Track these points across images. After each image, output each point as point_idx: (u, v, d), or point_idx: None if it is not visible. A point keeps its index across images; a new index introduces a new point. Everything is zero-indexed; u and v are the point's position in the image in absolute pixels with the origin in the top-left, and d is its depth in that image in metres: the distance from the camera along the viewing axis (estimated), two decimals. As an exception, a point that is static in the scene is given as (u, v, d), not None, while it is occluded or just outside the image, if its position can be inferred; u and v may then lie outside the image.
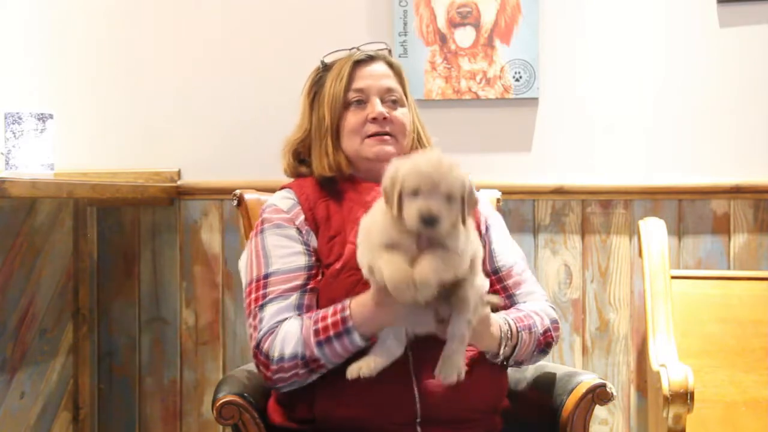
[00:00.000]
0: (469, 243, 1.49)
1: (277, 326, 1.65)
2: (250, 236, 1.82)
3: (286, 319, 1.65)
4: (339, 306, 1.61)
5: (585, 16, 2.56)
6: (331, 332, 1.59)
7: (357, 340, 1.59)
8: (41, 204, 2.45)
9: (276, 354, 1.62)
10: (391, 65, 1.89)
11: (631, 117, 2.54)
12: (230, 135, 2.69)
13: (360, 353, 1.61)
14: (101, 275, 2.75)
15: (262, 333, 1.65)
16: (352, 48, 1.91)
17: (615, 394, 1.76)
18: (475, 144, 2.59)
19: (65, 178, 2.53)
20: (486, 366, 1.71)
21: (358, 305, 1.59)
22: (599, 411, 2.51)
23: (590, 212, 2.56)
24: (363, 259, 1.54)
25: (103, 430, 2.75)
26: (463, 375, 1.54)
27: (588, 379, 1.77)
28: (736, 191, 2.48)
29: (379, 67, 1.87)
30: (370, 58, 1.87)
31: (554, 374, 1.87)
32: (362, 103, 1.83)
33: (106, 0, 2.75)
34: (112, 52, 2.75)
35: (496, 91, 2.57)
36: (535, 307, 1.81)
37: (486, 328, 1.65)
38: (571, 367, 2.37)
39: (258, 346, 1.65)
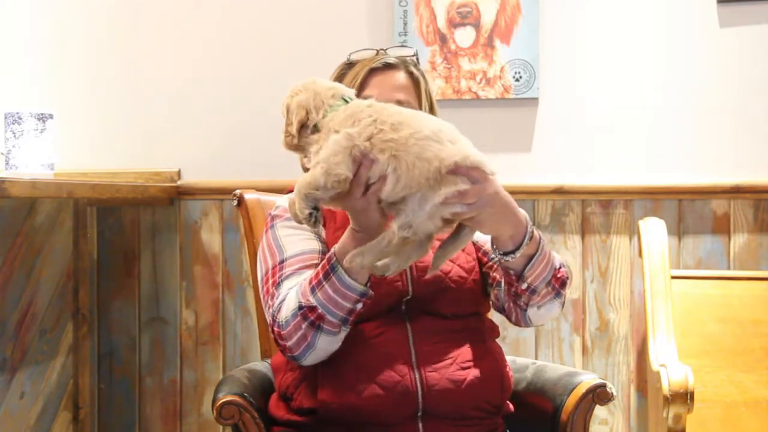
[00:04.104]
0: (324, 151, 1.48)
1: (286, 296, 1.63)
2: (261, 236, 1.80)
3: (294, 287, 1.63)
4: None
5: (585, 16, 2.56)
6: (321, 274, 1.57)
7: (345, 278, 1.55)
8: (41, 204, 2.45)
9: (283, 318, 1.60)
10: (411, 75, 1.83)
11: (631, 117, 2.54)
12: (230, 135, 2.69)
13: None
14: (101, 275, 2.75)
15: (275, 306, 1.63)
16: (380, 49, 1.85)
17: (615, 394, 1.75)
18: (474, 144, 2.57)
19: (65, 178, 2.53)
20: (491, 365, 1.70)
21: (340, 243, 1.57)
22: (599, 411, 2.51)
23: (590, 212, 2.56)
24: None
25: (103, 430, 2.75)
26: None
27: (588, 379, 1.77)
28: (736, 191, 2.48)
29: (395, 77, 1.81)
30: (388, 66, 1.81)
31: (554, 374, 1.87)
32: None
33: (106, 0, 2.75)
34: (112, 52, 2.75)
35: (496, 91, 2.57)
36: None
37: (506, 203, 1.55)
38: (571, 367, 2.37)
39: (273, 320, 1.62)
